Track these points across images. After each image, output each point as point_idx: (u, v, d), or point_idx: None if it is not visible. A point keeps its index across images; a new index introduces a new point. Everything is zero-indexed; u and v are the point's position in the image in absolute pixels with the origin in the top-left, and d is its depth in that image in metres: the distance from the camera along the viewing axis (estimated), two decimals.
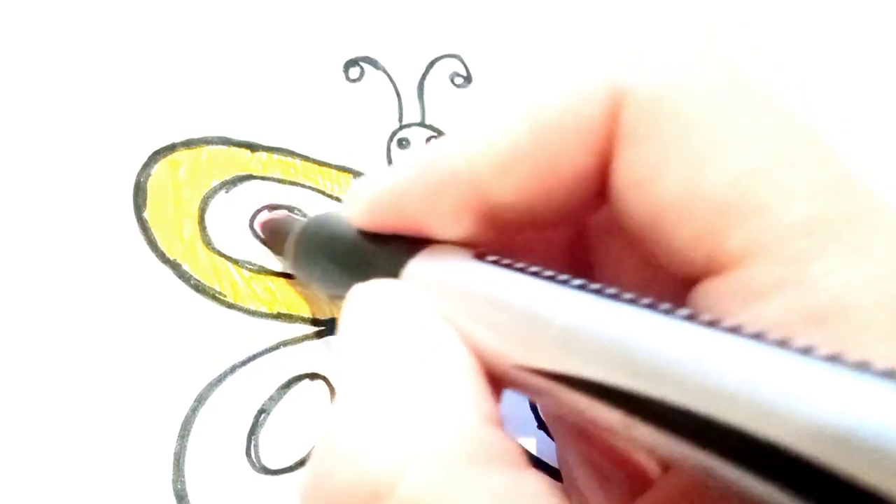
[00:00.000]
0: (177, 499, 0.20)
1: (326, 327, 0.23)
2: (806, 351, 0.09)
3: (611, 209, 0.12)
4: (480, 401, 0.11)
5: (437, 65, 0.27)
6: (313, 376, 0.22)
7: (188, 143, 0.24)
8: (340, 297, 0.14)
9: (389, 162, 0.26)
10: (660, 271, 0.12)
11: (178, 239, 0.23)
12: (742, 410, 0.08)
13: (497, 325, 0.11)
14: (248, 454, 0.21)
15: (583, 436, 0.16)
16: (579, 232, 0.16)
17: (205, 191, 0.23)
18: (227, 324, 0.22)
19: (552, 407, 0.12)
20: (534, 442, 0.22)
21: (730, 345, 0.09)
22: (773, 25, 0.32)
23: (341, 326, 0.13)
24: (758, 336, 0.09)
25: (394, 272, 0.13)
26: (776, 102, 0.11)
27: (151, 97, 0.24)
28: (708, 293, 0.11)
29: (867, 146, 0.30)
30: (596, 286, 0.11)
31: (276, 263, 0.23)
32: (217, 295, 0.22)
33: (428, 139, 0.26)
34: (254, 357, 0.22)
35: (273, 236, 0.22)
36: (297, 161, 0.25)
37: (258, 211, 0.24)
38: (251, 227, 0.23)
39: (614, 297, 0.10)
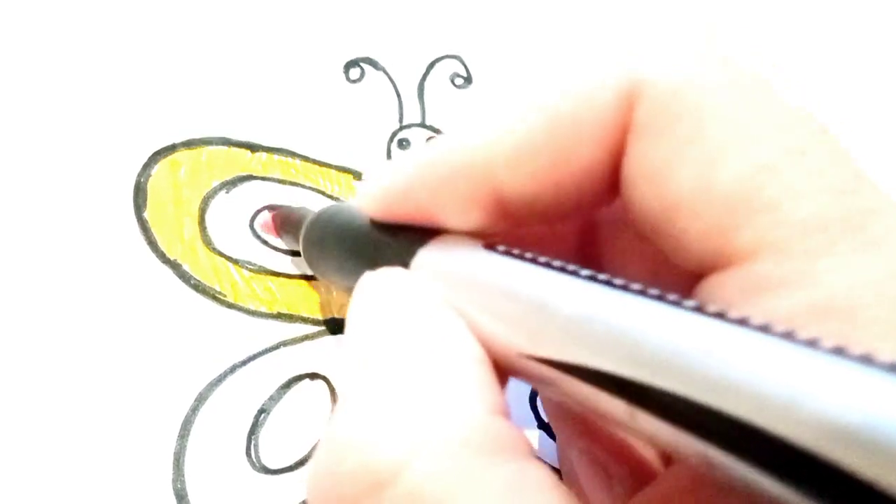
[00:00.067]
0: (177, 498, 0.20)
1: (327, 327, 0.23)
2: (811, 343, 0.08)
3: (621, 202, 0.12)
4: (487, 391, 0.11)
5: (437, 65, 0.27)
6: (313, 376, 0.22)
7: (188, 144, 0.24)
8: (351, 288, 0.14)
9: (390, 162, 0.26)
10: (668, 264, 0.12)
11: (179, 239, 0.23)
12: (746, 402, 0.08)
13: (505, 315, 0.11)
14: (248, 454, 0.21)
15: (585, 431, 0.16)
16: (589, 224, 0.16)
17: (205, 191, 0.23)
18: (227, 324, 0.22)
19: (557, 396, 0.12)
20: (534, 441, 0.22)
21: (736, 337, 0.09)
22: (773, 25, 0.32)
23: (350, 315, 0.13)
24: (764, 328, 0.09)
25: (404, 261, 0.13)
26: (786, 101, 0.11)
27: (152, 98, 0.24)
28: (716, 287, 0.11)
29: (867, 146, 0.30)
30: (604, 277, 0.11)
31: (277, 263, 0.23)
32: (217, 295, 0.22)
33: (428, 140, 0.26)
34: (254, 357, 0.22)
35: (285, 226, 0.22)
36: (298, 161, 0.25)
37: (258, 211, 0.24)
38: (251, 227, 0.23)
39: (622, 287, 0.10)
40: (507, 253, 0.12)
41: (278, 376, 0.22)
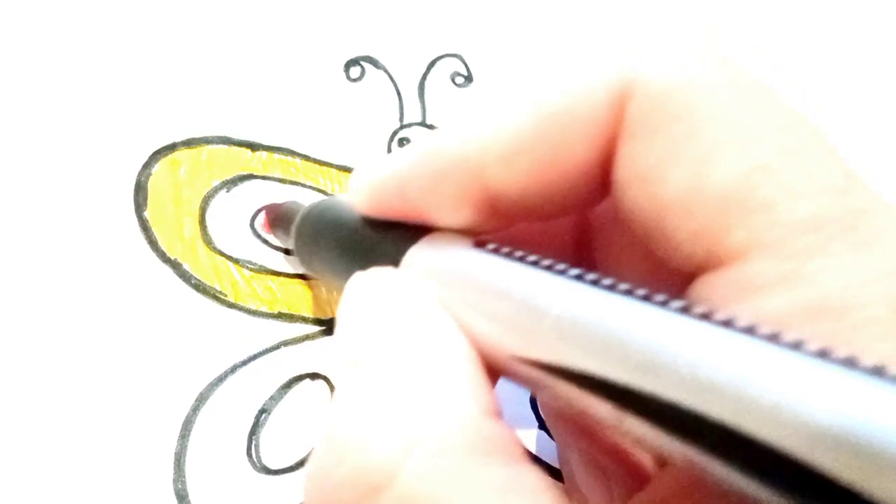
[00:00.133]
0: (177, 498, 0.20)
1: (327, 327, 0.23)
2: (796, 346, 0.08)
3: (613, 201, 0.12)
4: (479, 392, 0.11)
5: (437, 64, 0.27)
6: (314, 376, 0.22)
7: (189, 143, 0.24)
8: (342, 285, 0.14)
9: None
10: (662, 263, 0.12)
11: (179, 238, 0.23)
12: (730, 406, 0.08)
13: (494, 314, 0.11)
14: (248, 454, 0.21)
15: (582, 432, 0.16)
16: (583, 223, 0.16)
17: (205, 190, 0.23)
18: (228, 323, 0.22)
19: (547, 398, 0.12)
20: (534, 441, 0.22)
21: (721, 339, 0.09)
22: (773, 25, 0.32)
23: (340, 315, 0.13)
24: (749, 330, 0.09)
25: (394, 259, 0.13)
26: (780, 100, 0.11)
27: (152, 97, 0.24)
28: (708, 287, 0.11)
29: (867, 146, 0.30)
30: (592, 276, 0.11)
31: (277, 263, 0.23)
32: (218, 294, 0.22)
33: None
34: (254, 357, 0.22)
35: (277, 222, 0.22)
36: (298, 160, 0.25)
37: (259, 210, 0.24)
38: (252, 226, 0.23)
39: (610, 287, 0.10)
40: (497, 251, 0.12)
41: (279, 376, 0.22)
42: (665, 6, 0.31)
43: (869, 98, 0.31)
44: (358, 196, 0.14)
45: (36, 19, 0.24)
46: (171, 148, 0.24)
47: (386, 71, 0.26)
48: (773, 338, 0.09)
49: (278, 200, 0.24)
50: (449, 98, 0.27)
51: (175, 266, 0.22)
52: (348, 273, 0.14)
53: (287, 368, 0.22)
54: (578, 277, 0.11)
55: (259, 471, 0.21)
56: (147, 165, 0.23)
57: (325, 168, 0.25)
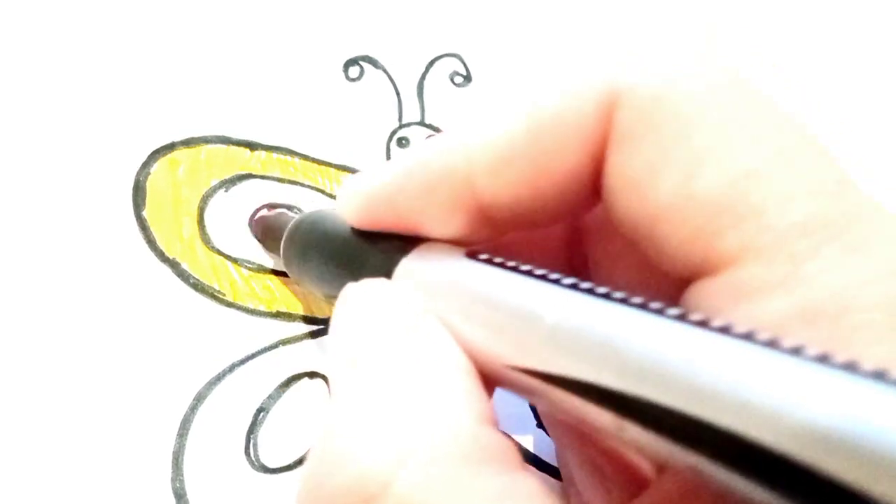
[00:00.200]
0: (175, 497, 0.20)
1: (325, 326, 0.23)
2: (795, 351, 0.08)
3: (605, 209, 0.12)
4: (475, 400, 0.11)
5: (436, 64, 0.27)
6: (312, 375, 0.22)
7: (187, 142, 0.24)
8: (333, 297, 0.14)
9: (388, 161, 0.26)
10: (656, 271, 0.12)
11: (178, 238, 0.23)
12: (731, 412, 0.08)
13: (488, 325, 0.11)
14: (246, 453, 0.21)
15: (580, 435, 0.16)
16: (576, 231, 0.16)
17: (204, 190, 0.23)
18: (226, 322, 0.22)
19: (544, 407, 0.12)
20: (533, 441, 0.22)
21: (719, 346, 0.09)
22: (773, 25, 0.32)
23: (333, 327, 0.13)
24: (747, 336, 0.09)
25: (386, 271, 0.13)
26: (772, 104, 0.11)
27: (151, 96, 0.24)
28: (702, 293, 0.11)
29: (867, 146, 0.30)
30: (587, 285, 0.11)
31: (276, 262, 0.23)
32: (216, 294, 0.22)
33: (427, 138, 0.26)
34: (253, 356, 0.22)
35: (266, 234, 0.22)
36: (297, 160, 0.25)
37: (257, 210, 0.24)
38: (250, 226, 0.23)
39: (605, 296, 0.10)
40: (490, 261, 0.12)
41: (277, 375, 0.22)
42: (665, 6, 0.31)
43: (869, 98, 0.31)
44: (348, 208, 0.14)
45: (35, 19, 0.24)
46: (170, 147, 0.24)
47: (385, 70, 0.26)
48: (772, 343, 0.09)
49: (277, 200, 0.24)
50: (448, 98, 0.27)
51: (173, 265, 0.22)
52: (339, 286, 0.14)
53: (285, 367, 0.22)
54: (573, 286, 0.11)
55: (257, 469, 0.21)
56: (146, 165, 0.23)
57: (323, 167, 0.25)
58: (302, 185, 0.24)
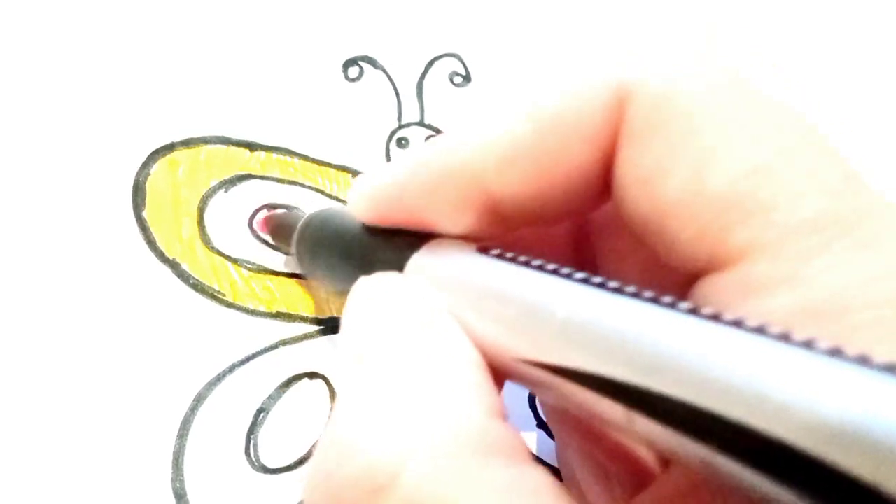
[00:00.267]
0: (176, 498, 0.20)
1: (325, 326, 0.23)
2: (807, 344, 0.08)
3: (614, 205, 0.12)
4: (484, 394, 0.11)
5: (436, 64, 0.27)
6: (312, 375, 0.22)
7: (187, 143, 0.24)
8: (344, 293, 0.14)
9: (388, 161, 0.26)
10: (664, 267, 0.12)
11: (177, 238, 0.23)
12: (743, 405, 0.08)
13: (500, 319, 0.11)
14: (247, 453, 0.21)
15: (583, 432, 0.16)
16: (584, 227, 0.16)
17: (204, 190, 0.23)
18: (226, 323, 0.22)
19: (554, 400, 0.12)
20: (533, 440, 0.22)
21: (731, 339, 0.09)
22: (773, 25, 0.32)
23: (345, 320, 0.13)
24: (759, 330, 0.09)
25: (397, 266, 0.13)
26: (779, 102, 0.11)
27: (150, 97, 0.24)
28: (710, 288, 0.11)
29: (867, 146, 0.30)
30: (598, 279, 0.11)
31: (276, 262, 0.23)
32: (216, 294, 0.22)
33: (427, 138, 0.26)
34: (253, 356, 0.22)
35: (278, 231, 0.22)
36: (296, 160, 0.25)
37: (257, 210, 0.24)
38: (250, 226, 0.23)
39: (617, 290, 0.10)
40: (501, 256, 0.12)
41: (277, 375, 0.22)
42: (665, 6, 0.31)
43: (869, 98, 0.31)
44: (359, 204, 0.15)
45: (35, 19, 0.24)
46: (170, 148, 0.24)
47: (384, 71, 0.26)
48: (784, 337, 0.09)
49: (277, 201, 0.24)
50: (447, 98, 0.27)
51: (173, 266, 0.22)
52: (351, 281, 0.14)
53: (285, 368, 0.22)
54: (584, 280, 0.11)
55: (257, 470, 0.21)
56: (145, 165, 0.23)
57: (323, 168, 0.25)
58: (302, 185, 0.24)
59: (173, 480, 0.20)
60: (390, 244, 0.14)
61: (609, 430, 0.16)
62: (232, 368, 0.21)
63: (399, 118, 0.26)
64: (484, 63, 0.28)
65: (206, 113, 0.24)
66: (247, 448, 0.21)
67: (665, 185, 0.11)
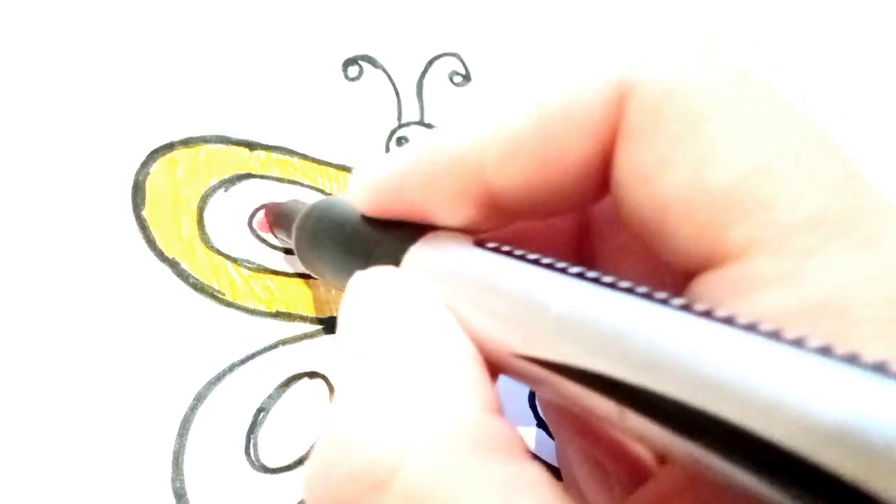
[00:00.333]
0: (175, 497, 0.20)
1: (325, 325, 0.23)
2: (797, 343, 0.08)
3: (613, 200, 0.12)
4: (481, 388, 0.11)
5: (435, 63, 0.27)
6: (312, 375, 0.22)
7: (187, 142, 0.24)
8: (342, 284, 0.14)
9: None
10: (663, 263, 0.12)
11: (177, 237, 0.23)
12: (732, 403, 0.08)
13: (494, 313, 0.11)
14: (247, 453, 0.21)
15: (581, 429, 0.16)
16: (584, 221, 0.16)
17: (203, 189, 0.23)
18: (226, 322, 0.22)
19: (548, 395, 0.12)
20: (532, 439, 0.22)
21: (722, 336, 0.09)
22: (773, 25, 0.32)
23: (341, 314, 0.13)
24: (750, 327, 0.09)
25: (395, 258, 0.13)
26: (781, 100, 0.11)
27: (150, 96, 0.24)
28: (708, 285, 0.11)
29: (867, 146, 0.30)
30: (593, 274, 0.11)
31: (276, 262, 0.23)
32: (216, 293, 0.22)
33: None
34: (253, 356, 0.22)
35: (278, 220, 0.22)
36: (296, 160, 0.25)
37: (257, 210, 0.24)
38: (250, 225, 0.23)
39: (611, 285, 0.10)
40: (498, 250, 0.12)
41: (277, 375, 0.22)
42: (665, 6, 0.31)
43: (869, 98, 0.31)
44: (358, 196, 0.15)
45: (34, 19, 0.24)
46: (169, 147, 0.24)
47: (384, 70, 0.26)
48: (775, 335, 0.09)
49: (277, 200, 0.24)
50: (447, 97, 0.27)
51: (173, 265, 0.22)
52: (349, 273, 0.14)
53: (285, 367, 0.22)
54: (579, 275, 0.11)
55: (257, 469, 0.21)
56: (145, 165, 0.23)
57: (323, 167, 0.25)
58: (301, 184, 0.24)
59: (173, 480, 0.20)
60: (388, 236, 0.14)
61: (605, 426, 0.16)
62: (232, 368, 0.21)
63: (399, 117, 0.26)
64: (484, 63, 0.28)
65: (205, 112, 0.24)
66: (247, 447, 0.21)
67: (664, 182, 0.11)
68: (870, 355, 0.08)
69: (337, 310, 0.23)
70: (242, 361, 0.22)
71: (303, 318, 0.23)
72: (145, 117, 0.24)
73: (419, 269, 0.13)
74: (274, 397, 0.21)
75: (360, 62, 0.26)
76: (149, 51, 0.25)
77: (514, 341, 0.11)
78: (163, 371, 0.21)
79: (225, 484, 0.20)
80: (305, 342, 0.22)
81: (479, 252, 0.12)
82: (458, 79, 0.27)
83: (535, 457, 0.22)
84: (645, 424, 0.09)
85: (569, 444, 0.17)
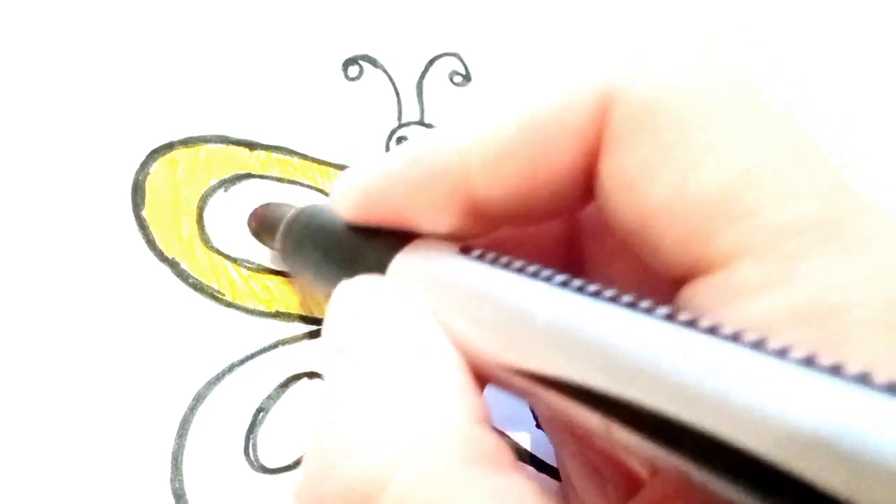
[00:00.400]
0: (175, 498, 0.20)
1: None
2: (781, 353, 0.08)
3: (599, 208, 0.12)
4: (468, 399, 0.11)
5: (436, 63, 0.27)
6: (312, 375, 0.22)
7: (186, 142, 0.24)
8: (328, 291, 0.14)
9: None
10: (651, 269, 0.12)
11: (177, 237, 0.23)
12: (714, 415, 0.08)
13: (479, 322, 0.11)
14: (246, 453, 0.21)
15: (577, 436, 0.16)
16: (573, 225, 0.16)
17: (203, 189, 0.23)
18: (226, 322, 0.22)
19: (537, 407, 0.12)
20: (532, 441, 0.22)
21: (705, 347, 0.09)
22: (773, 25, 0.32)
23: (327, 323, 0.13)
24: (734, 337, 0.09)
25: (381, 266, 0.13)
26: (768, 104, 0.11)
27: (150, 96, 0.24)
28: (697, 292, 0.11)
29: (867, 146, 0.30)
30: (578, 283, 0.11)
31: (275, 262, 0.23)
32: (215, 293, 0.22)
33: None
34: (252, 356, 0.22)
35: (263, 224, 0.22)
36: (296, 160, 0.25)
37: (256, 210, 0.24)
38: (250, 225, 0.23)
39: (595, 294, 0.10)
40: (482, 257, 0.12)
41: (277, 375, 0.22)
42: (665, 6, 0.31)
43: (869, 98, 0.31)
44: (342, 203, 0.14)
45: (34, 19, 0.24)
46: (169, 147, 0.24)
47: (384, 70, 0.26)
48: (758, 345, 0.09)
49: (272, 201, 0.24)
50: (447, 97, 0.27)
51: (173, 265, 0.22)
52: (335, 280, 0.14)
53: (284, 367, 0.22)
54: (564, 284, 0.11)
55: (257, 470, 0.21)
56: (145, 165, 0.23)
57: (323, 167, 0.25)
58: (301, 184, 0.24)
59: (172, 480, 0.20)
60: (373, 244, 0.14)
61: (592, 435, 0.16)
62: (231, 368, 0.21)
63: (399, 117, 0.26)
64: (484, 62, 0.28)
65: (205, 112, 0.24)
66: (246, 448, 0.21)
67: (649, 190, 0.11)
68: (858, 360, 0.08)
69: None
70: (242, 361, 0.22)
71: (303, 319, 0.23)
72: (145, 117, 0.24)
73: (405, 277, 0.13)
74: (273, 397, 0.21)
75: (360, 62, 0.26)
76: (149, 51, 0.25)
77: (500, 351, 0.11)
78: (162, 371, 0.21)
79: (224, 484, 0.20)
80: (305, 342, 0.22)
81: (463, 260, 0.12)
82: (458, 79, 0.27)
83: (536, 461, 0.22)
84: (629, 436, 0.09)
85: (564, 449, 0.17)
